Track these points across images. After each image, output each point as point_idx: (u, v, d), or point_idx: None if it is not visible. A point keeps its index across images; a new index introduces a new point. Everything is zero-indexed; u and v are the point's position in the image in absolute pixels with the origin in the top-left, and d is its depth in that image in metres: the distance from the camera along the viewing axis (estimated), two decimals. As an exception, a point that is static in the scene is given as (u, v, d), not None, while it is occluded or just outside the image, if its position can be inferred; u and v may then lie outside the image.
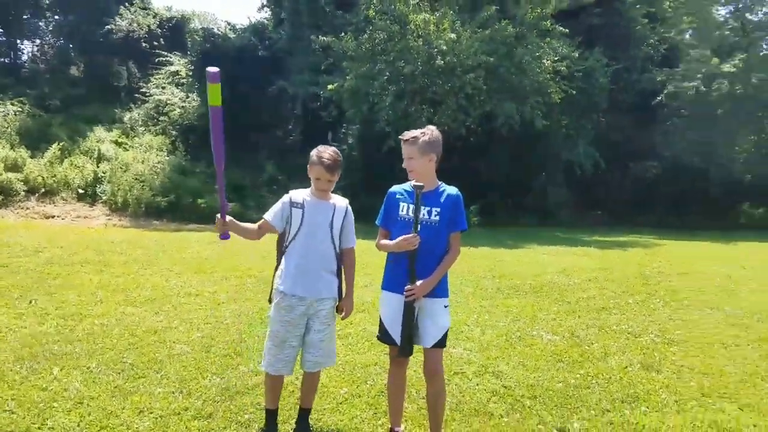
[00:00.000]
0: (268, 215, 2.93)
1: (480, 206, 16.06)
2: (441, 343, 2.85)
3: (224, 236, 2.88)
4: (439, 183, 2.91)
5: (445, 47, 15.11)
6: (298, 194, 2.95)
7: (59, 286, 6.02)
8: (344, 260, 3.00)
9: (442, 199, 2.84)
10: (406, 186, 2.92)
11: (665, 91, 20.54)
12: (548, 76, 16.55)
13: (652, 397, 3.71)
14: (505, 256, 10.13)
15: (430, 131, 2.84)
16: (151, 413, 3.16)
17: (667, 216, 21.72)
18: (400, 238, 2.75)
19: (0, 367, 3.68)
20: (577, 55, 17.91)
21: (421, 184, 2.77)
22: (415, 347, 2.86)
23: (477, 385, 3.78)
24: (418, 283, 2.75)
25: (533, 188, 20.55)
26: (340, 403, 3.42)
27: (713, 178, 21.00)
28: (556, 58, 16.94)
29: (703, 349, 4.80)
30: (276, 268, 2.98)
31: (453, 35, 15.32)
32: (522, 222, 18.55)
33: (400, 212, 2.87)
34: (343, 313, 3.02)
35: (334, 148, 2.91)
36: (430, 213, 2.82)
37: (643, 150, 21.70)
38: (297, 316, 2.86)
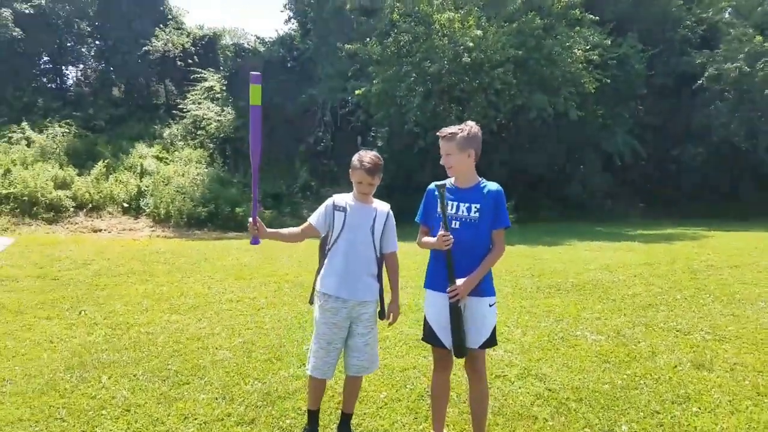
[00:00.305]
0: (312, 218, 3.00)
1: (516, 202, 15.82)
2: (489, 343, 2.80)
3: (254, 241, 2.92)
4: (480, 179, 2.86)
5: (471, 44, 14.98)
6: (341, 198, 3.00)
7: (107, 297, 6.25)
8: (387, 264, 3.03)
9: (482, 196, 2.79)
10: (446, 182, 2.89)
11: (706, 74, 19.69)
12: (580, 66, 16.18)
13: (704, 397, 3.54)
14: (544, 253, 9.91)
15: (469, 127, 2.80)
16: (196, 419, 3.22)
17: (717, 204, 20.78)
18: (439, 234, 2.72)
19: (51, 376, 3.83)
20: (609, 42, 17.41)
21: (444, 182, 2.77)
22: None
23: (520, 388, 3.70)
24: (459, 282, 2.70)
25: (572, 181, 20.06)
26: (380, 408, 3.41)
27: (764, 162, 19.98)
28: (587, 47, 16.55)
29: (757, 345, 4.55)
30: (318, 271, 3.02)
31: (479, 31, 15.19)
32: (561, 217, 18.13)
33: (438, 209, 2.84)
34: (390, 319, 3.03)
35: (375, 152, 2.97)
36: (469, 210, 2.77)
37: (686, 136, 20.87)
38: (341, 318, 2.89)
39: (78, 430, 3.09)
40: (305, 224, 3.02)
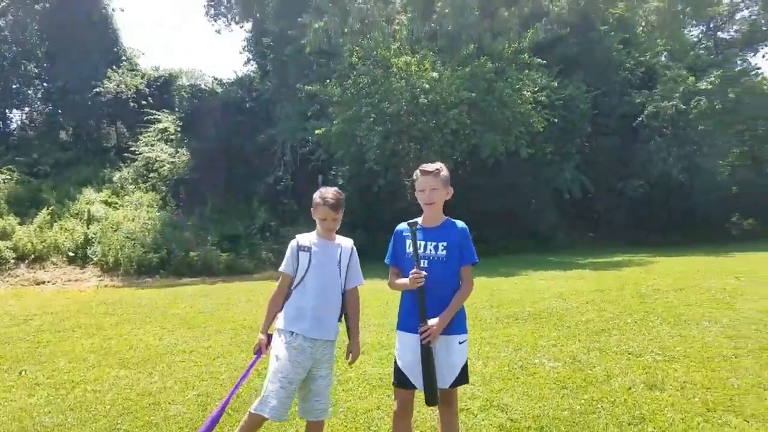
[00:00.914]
0: (283, 266, 3.02)
1: (473, 237, 16.07)
2: (459, 381, 2.78)
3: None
4: (446, 218, 2.91)
5: (427, 86, 15.53)
6: (304, 238, 3.02)
7: (50, 354, 5.90)
8: (349, 300, 3.02)
9: (448, 234, 2.83)
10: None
11: (645, 112, 21.04)
12: (529, 106, 16.97)
13: (658, 416, 3.64)
14: (502, 284, 10.09)
15: (444, 167, 2.87)
16: (147, 478, 3.05)
17: (659, 233, 21.84)
18: (411, 272, 2.72)
19: (-11, 442, 3.57)
20: (556, 84, 18.45)
21: (415, 220, 2.81)
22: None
23: (483, 420, 3.70)
24: (432, 321, 2.68)
25: (525, 216, 20.68)
26: (343, 451, 3.32)
27: (701, 192, 21.26)
28: (536, 89, 17.43)
29: (704, 363, 4.74)
30: (279, 309, 2.99)
31: (435, 74, 15.78)
32: (516, 249, 18.58)
33: (407, 249, 2.85)
34: (350, 359, 3.01)
35: (335, 188, 3.03)
36: (436, 248, 2.80)
37: (629, 170, 22.04)
38: (306, 358, 2.84)
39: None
40: (280, 278, 3.03)
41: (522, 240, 19.72)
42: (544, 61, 18.35)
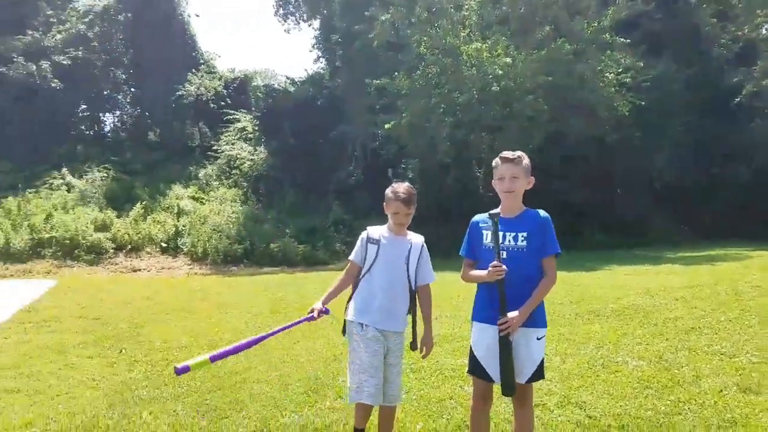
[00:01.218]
0: (353, 256, 3.12)
1: (556, 230, 15.56)
2: (536, 377, 2.74)
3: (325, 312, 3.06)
4: (525, 208, 2.85)
5: (500, 72, 15.05)
6: (375, 231, 3.08)
7: (147, 335, 6.42)
8: (421, 296, 3.06)
9: (528, 224, 2.76)
10: (487, 215, 2.88)
11: (744, 91, 19.26)
12: (613, 89, 16.05)
13: (751, 421, 3.38)
14: (583, 279, 9.69)
15: (524, 155, 2.82)
16: (234, 453, 3.25)
17: (761, 225, 19.95)
18: (491, 265, 2.66)
19: (94, 413, 3.93)
20: (642, 64, 17.23)
21: (498, 211, 2.74)
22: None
23: (559, 416, 3.59)
24: (511, 314, 2.64)
25: (610, 206, 19.67)
26: (417, 439, 3.37)
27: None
28: (620, 70, 16.43)
29: (809, 367, 4.32)
30: (348, 300, 3.08)
31: (508, 59, 15.26)
32: (600, 242, 17.72)
33: (484, 241, 2.81)
34: (424, 351, 3.04)
35: (408, 183, 3.06)
36: (516, 239, 2.73)
37: (728, 156, 20.29)
38: (381, 346, 2.94)
39: (120, 465, 3.16)
40: (348, 265, 3.13)
41: (607, 232, 18.73)
42: (628, 40, 17.20)
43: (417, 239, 3.07)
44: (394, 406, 3.05)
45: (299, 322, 3.06)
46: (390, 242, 3.01)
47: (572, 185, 17.67)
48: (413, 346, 3.04)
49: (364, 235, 3.09)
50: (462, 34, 16.29)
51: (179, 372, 2.79)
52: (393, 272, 2.96)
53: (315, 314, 2.98)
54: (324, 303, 3.04)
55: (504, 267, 2.63)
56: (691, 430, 3.31)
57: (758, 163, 19.65)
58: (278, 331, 3.10)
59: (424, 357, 3.09)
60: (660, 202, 20.20)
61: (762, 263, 10.89)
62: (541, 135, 15.65)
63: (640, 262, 12.42)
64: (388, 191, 3.01)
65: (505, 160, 2.78)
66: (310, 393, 4.22)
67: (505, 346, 2.64)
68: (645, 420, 3.47)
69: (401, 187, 3.00)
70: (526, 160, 2.79)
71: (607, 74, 16.07)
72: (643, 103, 16.57)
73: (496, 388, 2.80)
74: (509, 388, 2.66)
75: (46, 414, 3.93)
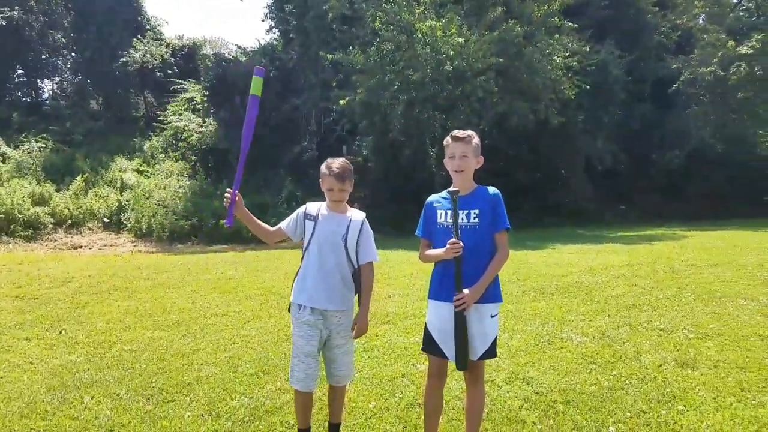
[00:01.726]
0: (283, 223, 3.03)
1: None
2: (489, 354, 2.77)
3: (229, 221, 2.90)
4: (477, 185, 2.86)
5: (452, 52, 15.11)
6: (314, 206, 2.99)
7: (88, 315, 6.13)
8: (362, 275, 2.95)
9: (480, 200, 2.78)
10: (443, 194, 2.88)
11: (681, 79, 20.18)
12: (560, 72, 16.41)
13: (689, 395, 3.59)
14: (529, 257, 10.00)
15: (475, 134, 2.83)
16: (181, 438, 3.17)
17: (695, 206, 21.21)
18: (448, 242, 2.69)
19: (32, 398, 3.74)
20: (588, 49, 17.74)
21: (457, 189, 2.75)
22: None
23: (507, 392, 3.70)
24: (466, 291, 2.68)
25: (554, 187, 20.31)
26: (369, 418, 3.38)
27: (740, 164, 20.48)
28: (567, 54, 16.81)
29: (739, 342, 4.63)
30: (294, 280, 3.00)
31: (461, 39, 15.31)
32: (544, 222, 18.31)
33: (439, 219, 2.83)
34: (354, 333, 2.94)
35: (343, 159, 2.96)
36: (468, 216, 2.75)
37: (664, 140, 21.33)
38: (316, 331, 2.86)
39: (60, 453, 3.01)
40: (276, 226, 3.04)
41: (551, 212, 19.39)
42: (576, 25, 17.61)
43: (357, 216, 2.96)
44: (341, 386, 3.01)
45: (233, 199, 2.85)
46: (327, 219, 2.91)
47: (517, 166, 18.08)
48: (352, 327, 2.97)
49: (301, 210, 2.99)
50: (417, 11, 16.15)
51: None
52: (330, 250, 2.87)
53: (232, 192, 2.85)
54: (242, 212, 2.88)
55: (461, 244, 2.66)
56: (632, 404, 3.48)
57: (692, 148, 20.76)
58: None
59: (354, 338, 2.99)
60: (600, 184, 21.05)
61: (697, 242, 11.60)
62: (491, 116, 15.87)
63: (582, 241, 12.92)
64: (323, 166, 2.91)
65: (455, 138, 2.80)
66: (260, 374, 4.15)
67: (460, 322, 2.68)
68: (589, 395, 3.63)
69: (335, 163, 2.89)
70: (476, 139, 2.81)
71: (555, 57, 16.40)
72: (588, 87, 17.05)
73: (450, 366, 2.84)
74: (462, 362, 2.70)
75: (-24, 401, 3.70)
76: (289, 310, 3.00)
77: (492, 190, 2.83)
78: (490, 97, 15.53)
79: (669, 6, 22.81)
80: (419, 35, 15.73)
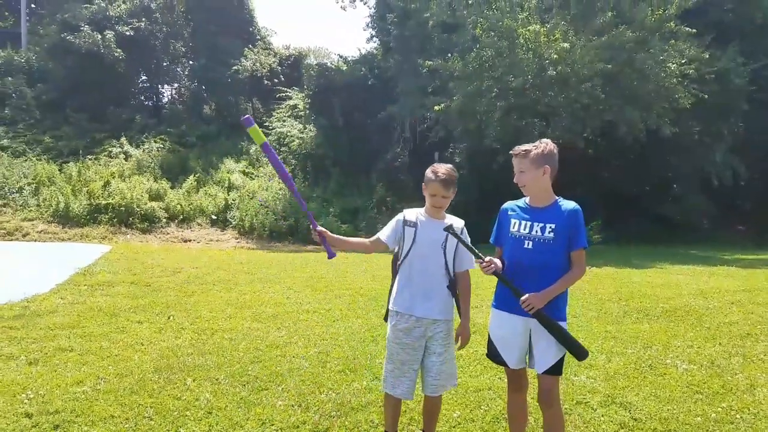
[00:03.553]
0: (382, 233, 2.98)
1: (603, 221, 15.04)
2: (555, 371, 2.68)
3: (330, 255, 3.01)
4: (556, 198, 2.78)
5: (556, 56, 14.55)
6: (412, 213, 2.95)
7: (194, 303, 6.63)
8: (459, 283, 2.92)
9: (557, 215, 2.70)
10: (520, 202, 2.85)
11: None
12: (675, 80, 15.22)
13: (816, 439, 3.17)
14: (633, 276, 9.35)
15: (544, 144, 2.76)
16: (273, 425, 3.33)
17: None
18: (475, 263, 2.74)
19: (141, 376, 4.11)
20: (707, 55, 16.24)
21: (450, 223, 2.84)
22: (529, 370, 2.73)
23: (602, 416, 3.49)
24: (530, 294, 2.63)
25: (665, 201, 18.83)
26: (453, 427, 3.35)
27: None
28: (683, 61, 15.54)
29: None
30: (390, 288, 3.00)
31: (566, 44, 14.70)
32: (652, 239, 17.02)
33: (511, 229, 2.79)
34: (459, 342, 2.94)
35: (449, 165, 2.93)
36: (543, 230, 2.69)
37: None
38: (415, 338, 2.84)
39: (164, 430, 3.27)
40: (374, 237, 3.01)
41: (659, 229, 17.96)
42: (694, 30, 16.20)
43: (456, 223, 2.92)
44: (435, 396, 2.96)
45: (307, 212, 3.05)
46: (427, 226, 2.88)
47: (625, 178, 16.99)
48: (456, 337, 2.95)
49: (400, 216, 2.95)
50: (520, 16, 15.76)
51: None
52: (430, 257, 2.84)
53: (313, 234, 2.97)
54: (327, 240, 2.95)
55: (497, 262, 2.69)
56: (744, 442, 3.14)
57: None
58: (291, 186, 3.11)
59: (459, 349, 2.99)
60: (717, 201, 19.17)
61: (831, 271, 10.20)
62: (596, 124, 15.05)
63: (693, 261, 11.86)
64: (428, 171, 2.87)
65: (513, 154, 2.79)
66: (347, 372, 4.26)
67: (544, 321, 2.62)
68: (694, 426, 3.33)
69: (442, 168, 2.85)
70: (534, 152, 2.71)
71: (670, 64, 15.23)
72: (706, 96, 15.64)
73: (531, 373, 2.78)
74: (579, 352, 2.66)
75: (96, 374, 4.12)
76: (385, 319, 3.00)
77: (572, 205, 2.73)
78: (595, 104, 14.76)
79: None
80: (521, 41, 15.33)
